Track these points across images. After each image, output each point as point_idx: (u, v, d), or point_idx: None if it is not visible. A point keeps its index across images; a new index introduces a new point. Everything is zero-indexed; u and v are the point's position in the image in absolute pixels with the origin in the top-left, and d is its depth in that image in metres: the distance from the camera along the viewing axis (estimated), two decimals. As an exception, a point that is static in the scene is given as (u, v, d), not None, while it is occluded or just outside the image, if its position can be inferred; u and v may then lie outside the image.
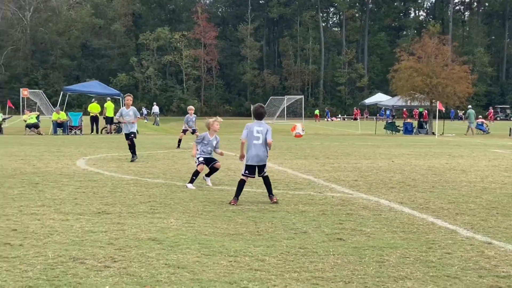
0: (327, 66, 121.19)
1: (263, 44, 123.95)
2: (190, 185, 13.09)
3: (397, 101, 52.69)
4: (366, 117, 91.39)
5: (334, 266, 6.86)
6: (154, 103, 71.27)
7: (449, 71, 47.83)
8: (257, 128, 11.25)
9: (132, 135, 19.54)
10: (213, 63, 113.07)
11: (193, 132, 27.08)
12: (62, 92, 42.08)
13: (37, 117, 39.70)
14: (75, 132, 39.16)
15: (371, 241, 8.15)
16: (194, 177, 13.24)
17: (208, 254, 7.31)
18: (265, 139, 11.19)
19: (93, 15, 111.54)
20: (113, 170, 16.50)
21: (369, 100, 72.63)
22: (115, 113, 42.90)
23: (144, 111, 75.64)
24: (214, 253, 7.35)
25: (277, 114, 79.78)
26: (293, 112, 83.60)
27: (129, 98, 19.81)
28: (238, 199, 11.13)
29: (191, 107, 28.44)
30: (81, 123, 39.94)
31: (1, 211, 10.00)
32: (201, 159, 13.39)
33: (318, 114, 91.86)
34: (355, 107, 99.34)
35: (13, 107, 59.95)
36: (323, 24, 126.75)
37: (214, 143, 13.62)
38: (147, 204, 10.88)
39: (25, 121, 38.82)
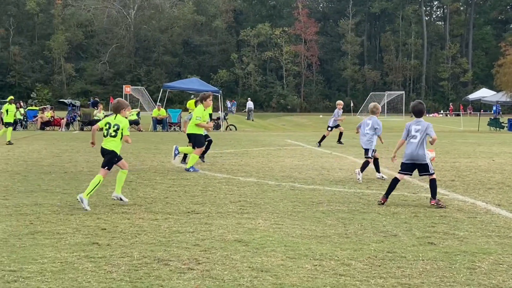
0: (430, 61, 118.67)
1: (364, 39, 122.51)
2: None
3: (501, 96, 51.10)
4: (470, 113, 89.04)
5: (423, 272, 6.64)
6: (249, 98, 71.59)
7: (558, 65, 46.06)
8: (415, 127, 10.99)
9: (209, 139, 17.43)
10: (313, 58, 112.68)
11: (332, 128, 26.97)
12: (162, 89, 42.87)
13: (138, 114, 40.55)
14: (174, 128, 39.84)
15: (464, 245, 7.86)
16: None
17: (293, 257, 7.22)
18: (423, 138, 10.86)
19: (195, 12, 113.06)
20: (207, 168, 16.62)
21: (472, 96, 70.59)
22: (214, 110, 43.49)
23: (228, 104, 75.88)
24: (299, 256, 7.25)
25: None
26: (393, 108, 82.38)
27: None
28: (387, 197, 10.99)
29: (340, 101, 28.29)
30: (180, 120, 40.59)
31: (92, 209, 10.21)
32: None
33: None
34: (450, 103, 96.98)
35: None
36: (426, 18, 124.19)
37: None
38: (237, 204, 10.88)
39: (126, 117, 39.69)
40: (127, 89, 52.97)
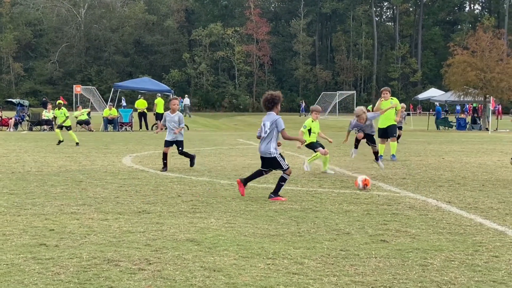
0: (380, 61, 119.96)
1: (316, 39, 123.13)
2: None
3: (450, 96, 51.83)
4: (420, 112, 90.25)
5: (375, 269, 6.62)
6: (186, 95, 70.66)
7: (504, 65, 46.84)
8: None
9: (180, 148, 16.64)
10: (265, 58, 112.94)
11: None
12: (112, 89, 42.37)
13: (88, 114, 40.04)
14: (125, 128, 39.44)
15: (416, 243, 7.88)
16: None
17: (246, 256, 7.14)
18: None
19: (146, 11, 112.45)
20: (159, 167, 16.45)
21: (422, 95, 71.49)
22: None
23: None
24: (252, 255, 7.17)
25: (329, 109, 79.35)
26: (345, 108, 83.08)
27: (175, 102, 17.17)
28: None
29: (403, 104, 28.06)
30: (131, 120, 40.23)
31: (40, 210, 9.99)
32: None
33: (370, 109, 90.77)
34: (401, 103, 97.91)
35: (65, 103, 60.63)
36: (376, 19, 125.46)
37: None
38: (189, 203, 10.76)
39: (77, 117, 39.23)
40: (78, 89, 52.24)
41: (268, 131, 10.90)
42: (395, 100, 19.63)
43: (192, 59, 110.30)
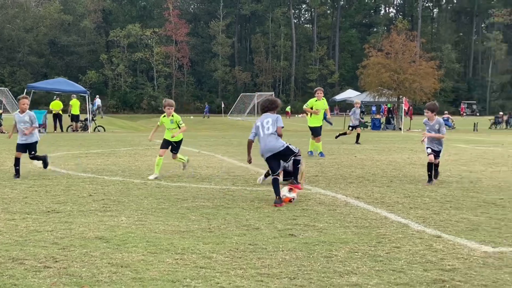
0: (299, 63, 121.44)
1: (235, 40, 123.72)
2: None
3: (365, 97, 52.91)
4: (337, 113, 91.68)
5: (282, 262, 6.77)
6: (97, 96, 69.52)
7: (416, 67, 48.16)
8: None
9: (33, 152, 14.77)
10: (184, 60, 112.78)
11: (353, 128, 28.02)
12: (26, 90, 41.44)
13: (0, 116, 39.04)
14: (39, 130, 38.58)
15: (323, 236, 8.07)
16: None
17: (154, 252, 7.18)
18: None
19: (61, 11, 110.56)
20: (71, 168, 16.27)
21: (339, 97, 72.70)
22: (81, 111, 42.58)
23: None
24: (160, 251, 7.22)
25: (248, 111, 79.75)
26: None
27: (25, 102, 15.02)
28: None
29: (358, 100, 29.39)
30: (45, 121, 39.41)
31: None
32: None
33: (289, 110, 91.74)
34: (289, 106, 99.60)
35: None
36: (295, 21, 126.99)
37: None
38: (100, 202, 10.70)
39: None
40: (-11, 90, 50.95)
41: (271, 127, 10.89)
42: (325, 100, 20.59)
43: (110, 60, 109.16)
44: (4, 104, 54.79)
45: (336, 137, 28.73)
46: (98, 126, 42.15)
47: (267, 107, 11.22)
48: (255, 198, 11.25)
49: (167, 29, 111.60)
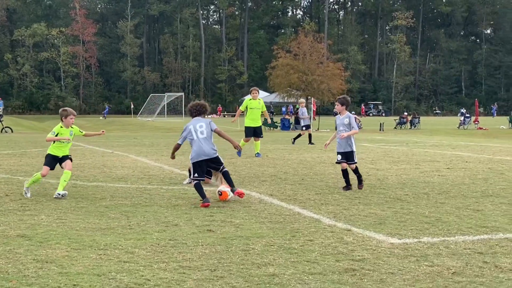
0: (208, 63, 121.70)
1: (144, 41, 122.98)
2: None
3: (274, 97, 53.72)
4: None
5: (202, 255, 7.09)
6: None
7: (324, 68, 49.24)
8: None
9: None
10: (92, 60, 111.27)
11: (306, 127, 28.22)
12: None
13: None
14: None
15: (240, 231, 8.44)
16: None
17: (77, 248, 7.39)
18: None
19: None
20: (-17, 169, 16.14)
21: (247, 97, 73.53)
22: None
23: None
24: (84, 247, 7.43)
25: (157, 111, 79.42)
26: (174, 109, 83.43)
27: None
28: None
29: (302, 99, 29.23)
30: None
31: None
32: None
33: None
34: (219, 105, 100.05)
35: None
36: (203, 22, 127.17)
37: None
38: (18, 201, 10.79)
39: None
40: None
41: (205, 131, 11.03)
42: (262, 101, 20.99)
43: (14, 60, 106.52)
44: None
45: (293, 141, 28.55)
46: (6, 127, 41.35)
47: (198, 111, 11.42)
48: (172, 196, 11.55)
49: (74, 28, 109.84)
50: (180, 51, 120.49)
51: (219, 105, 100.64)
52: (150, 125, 58.34)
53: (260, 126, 21.23)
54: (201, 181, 10.93)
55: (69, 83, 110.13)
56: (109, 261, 6.80)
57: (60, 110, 12.35)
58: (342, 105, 12.66)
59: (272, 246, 7.56)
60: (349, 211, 10.03)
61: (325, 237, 8.08)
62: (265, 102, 57.54)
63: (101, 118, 77.10)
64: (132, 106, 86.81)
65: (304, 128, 28.75)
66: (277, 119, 55.48)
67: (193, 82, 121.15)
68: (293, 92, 49.62)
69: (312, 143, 27.73)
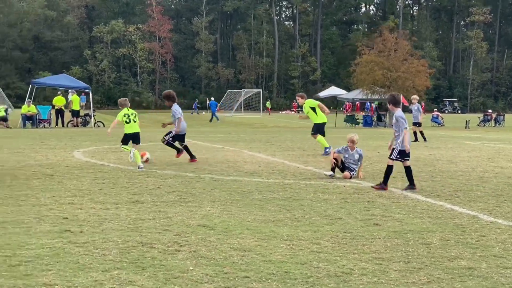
0: (281, 60, 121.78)
1: (218, 37, 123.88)
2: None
3: (357, 94, 53.59)
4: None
5: (387, 248, 7.35)
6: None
7: (408, 65, 48.94)
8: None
9: None
10: (167, 56, 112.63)
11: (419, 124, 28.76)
12: (30, 85, 41.84)
13: (6, 110, 39.12)
14: (44, 125, 38.82)
15: (405, 226, 8.65)
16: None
17: (263, 238, 7.72)
18: None
19: (45, 7, 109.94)
20: (116, 162, 16.72)
21: (323, 93, 73.17)
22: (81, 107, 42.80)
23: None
24: (269, 238, 7.74)
25: (235, 107, 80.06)
26: (248, 105, 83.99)
27: None
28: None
29: (415, 96, 30.05)
30: (50, 117, 39.71)
31: (35, 200, 10.30)
32: None
33: (269, 106, 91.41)
34: (294, 100, 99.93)
35: None
36: (277, 18, 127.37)
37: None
38: (173, 194, 11.20)
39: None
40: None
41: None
42: (307, 103, 20.90)
43: (93, 56, 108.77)
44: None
45: (425, 139, 28.35)
46: (98, 121, 42.45)
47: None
48: (316, 190, 11.81)
49: (150, 25, 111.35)
50: (253, 47, 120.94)
51: (294, 101, 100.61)
52: (229, 120, 58.82)
53: (314, 124, 20.72)
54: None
55: (145, 79, 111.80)
56: (302, 251, 7.13)
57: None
58: (389, 103, 12.48)
59: (448, 241, 7.77)
60: (502, 209, 10.15)
61: (496, 233, 8.25)
62: (347, 99, 57.63)
63: (193, 113, 77.91)
64: (208, 102, 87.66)
65: (418, 126, 28.81)
66: (360, 115, 55.33)
67: (266, 78, 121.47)
68: (377, 89, 49.41)
69: (417, 140, 27.68)
